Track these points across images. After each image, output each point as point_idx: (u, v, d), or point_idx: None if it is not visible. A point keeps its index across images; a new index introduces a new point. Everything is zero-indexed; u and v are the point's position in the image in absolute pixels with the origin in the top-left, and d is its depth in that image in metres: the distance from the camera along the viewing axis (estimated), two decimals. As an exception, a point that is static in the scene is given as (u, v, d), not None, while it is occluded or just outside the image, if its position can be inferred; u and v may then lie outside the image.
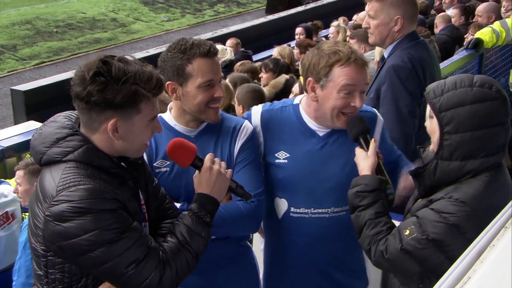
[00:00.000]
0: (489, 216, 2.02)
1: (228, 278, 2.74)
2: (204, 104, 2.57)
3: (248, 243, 2.95)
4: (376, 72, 3.79)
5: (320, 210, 2.72)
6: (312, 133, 2.72)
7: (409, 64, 3.52)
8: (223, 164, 2.34)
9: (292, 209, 2.76)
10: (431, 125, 2.30)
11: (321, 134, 2.71)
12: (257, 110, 2.85)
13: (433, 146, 2.32)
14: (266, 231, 2.98)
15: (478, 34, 6.38)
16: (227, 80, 6.14)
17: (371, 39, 3.78)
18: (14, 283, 3.88)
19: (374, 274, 2.89)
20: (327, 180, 2.68)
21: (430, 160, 2.30)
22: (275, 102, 2.89)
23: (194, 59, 2.52)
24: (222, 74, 2.65)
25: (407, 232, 2.22)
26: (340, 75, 2.57)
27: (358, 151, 2.55)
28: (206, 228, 2.21)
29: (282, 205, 2.80)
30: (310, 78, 2.65)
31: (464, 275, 1.19)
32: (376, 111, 2.84)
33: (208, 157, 2.32)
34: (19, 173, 4.07)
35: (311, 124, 2.72)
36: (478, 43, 6.29)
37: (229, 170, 2.36)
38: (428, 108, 2.31)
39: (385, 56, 3.71)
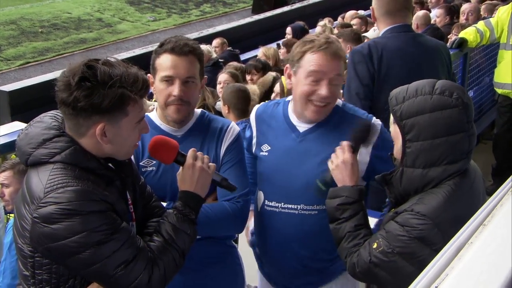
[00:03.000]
0: (453, 227, 1.99)
1: (213, 278, 2.74)
2: (163, 100, 2.58)
3: (234, 242, 2.96)
4: None
5: (289, 206, 2.72)
6: (293, 128, 2.73)
7: (366, 49, 3.68)
8: (206, 158, 2.33)
9: (266, 202, 2.79)
10: (394, 131, 2.29)
11: (301, 130, 2.71)
12: (256, 106, 2.94)
13: (396, 153, 2.32)
14: (254, 220, 3.00)
15: (462, 34, 6.43)
16: (220, 76, 6.16)
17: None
18: (-1, 284, 3.86)
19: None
20: (299, 177, 2.67)
21: (397, 167, 2.29)
22: (276, 99, 2.92)
23: (163, 53, 2.55)
24: (193, 76, 2.58)
25: (375, 245, 2.23)
26: (309, 61, 2.59)
27: (348, 152, 2.49)
28: (191, 226, 2.21)
29: (260, 197, 2.83)
30: (287, 65, 2.72)
31: (442, 272, 1.21)
32: (371, 117, 2.75)
33: (190, 154, 2.31)
34: (7, 174, 4.00)
35: (294, 119, 2.74)
36: (462, 42, 6.33)
37: (212, 165, 2.34)
38: (391, 117, 2.29)
39: None
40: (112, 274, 1.98)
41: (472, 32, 6.30)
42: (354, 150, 2.50)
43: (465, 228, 1.39)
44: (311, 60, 2.59)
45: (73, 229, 1.91)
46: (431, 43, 3.97)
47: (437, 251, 2.05)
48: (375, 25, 8.39)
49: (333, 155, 2.51)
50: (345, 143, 2.50)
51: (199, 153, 2.33)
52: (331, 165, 2.52)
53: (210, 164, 2.34)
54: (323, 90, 2.58)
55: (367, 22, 8.58)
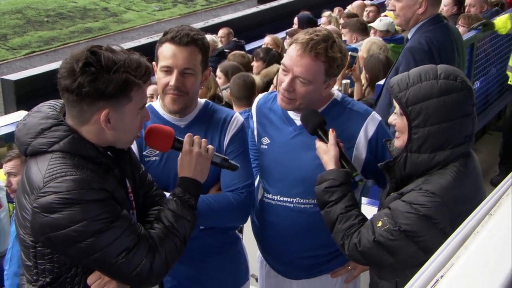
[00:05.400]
0: (459, 205, 2.08)
1: (216, 268, 2.75)
2: (161, 90, 2.58)
3: (238, 233, 2.96)
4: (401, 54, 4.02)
5: (285, 199, 2.72)
6: (291, 122, 2.73)
7: (425, 46, 3.70)
8: (204, 142, 2.32)
9: (265, 194, 2.80)
10: (401, 122, 2.28)
11: (298, 123, 2.69)
12: (258, 96, 2.93)
13: (400, 142, 2.31)
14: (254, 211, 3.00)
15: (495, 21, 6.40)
16: (218, 69, 6.15)
17: (396, 21, 4.04)
18: (5, 272, 3.87)
19: (363, 276, 2.91)
20: (295, 170, 2.68)
21: (400, 153, 2.30)
22: (275, 91, 2.89)
23: (164, 43, 2.55)
24: (191, 67, 2.55)
25: (380, 223, 2.23)
26: (287, 53, 2.65)
27: (318, 144, 2.52)
28: (191, 211, 2.22)
29: (260, 189, 2.85)
30: None
31: (447, 262, 1.21)
32: (370, 112, 2.72)
33: (186, 140, 2.31)
34: (14, 163, 4.01)
35: (291, 112, 2.73)
36: (487, 24, 6.30)
37: (210, 147, 2.34)
38: (396, 105, 2.29)
39: (409, 38, 3.91)
40: (113, 262, 1.99)
41: (504, 18, 6.23)
42: (323, 137, 2.52)
43: (471, 217, 1.39)
44: (287, 53, 2.61)
45: (73, 218, 1.92)
46: (457, 30, 4.09)
47: (442, 230, 2.08)
48: (381, 14, 8.40)
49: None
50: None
51: (195, 138, 2.32)
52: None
53: (209, 146, 2.33)
54: (284, 83, 2.58)
55: (379, 11, 8.66)
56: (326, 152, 2.48)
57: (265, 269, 3.01)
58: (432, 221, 2.13)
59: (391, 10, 4.10)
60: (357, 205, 2.44)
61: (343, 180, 2.41)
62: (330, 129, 2.51)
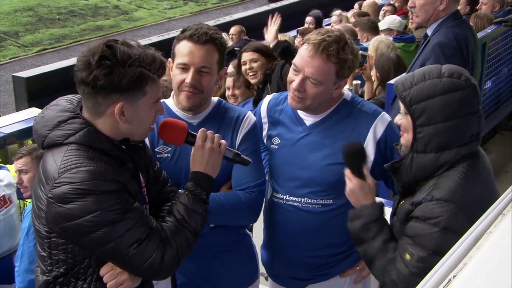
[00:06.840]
0: (474, 206, 2.02)
1: (226, 266, 2.75)
2: (176, 87, 2.59)
3: (247, 231, 2.96)
4: (420, 50, 4.01)
5: (293, 199, 2.72)
6: (301, 122, 2.73)
7: (454, 41, 3.72)
8: (216, 137, 2.34)
9: (274, 193, 2.81)
10: (406, 121, 2.26)
11: (308, 123, 2.71)
12: (267, 97, 2.93)
13: (404, 140, 2.29)
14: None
15: None
16: (230, 66, 6.14)
17: (416, 19, 4.00)
18: (16, 269, 3.89)
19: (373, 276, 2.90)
20: (303, 171, 2.68)
21: (406, 154, 2.27)
22: (285, 92, 2.90)
23: (182, 40, 2.56)
24: (208, 66, 2.56)
25: (408, 257, 2.16)
26: (298, 53, 2.65)
27: (351, 178, 2.41)
28: (203, 205, 2.24)
29: (270, 188, 2.85)
30: None
31: (460, 262, 1.20)
32: (379, 112, 2.71)
33: (199, 135, 2.33)
34: (24, 160, 4.03)
35: (301, 112, 2.73)
36: (508, 21, 6.34)
37: (223, 143, 2.35)
38: (401, 104, 2.27)
39: (429, 34, 3.91)
40: (125, 253, 2.02)
41: None
42: (358, 173, 2.42)
43: (483, 217, 1.38)
44: (299, 53, 2.62)
45: (86, 209, 1.95)
46: (473, 28, 4.12)
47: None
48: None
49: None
50: (347, 172, 2.43)
51: (209, 133, 2.34)
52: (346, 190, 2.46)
53: (221, 141, 2.35)
54: (295, 82, 2.58)
55: (396, 10, 8.66)
56: (362, 188, 2.39)
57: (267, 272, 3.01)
58: (454, 230, 2.06)
59: (411, 8, 4.06)
60: (394, 236, 2.34)
61: (378, 215, 2.36)
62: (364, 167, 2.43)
